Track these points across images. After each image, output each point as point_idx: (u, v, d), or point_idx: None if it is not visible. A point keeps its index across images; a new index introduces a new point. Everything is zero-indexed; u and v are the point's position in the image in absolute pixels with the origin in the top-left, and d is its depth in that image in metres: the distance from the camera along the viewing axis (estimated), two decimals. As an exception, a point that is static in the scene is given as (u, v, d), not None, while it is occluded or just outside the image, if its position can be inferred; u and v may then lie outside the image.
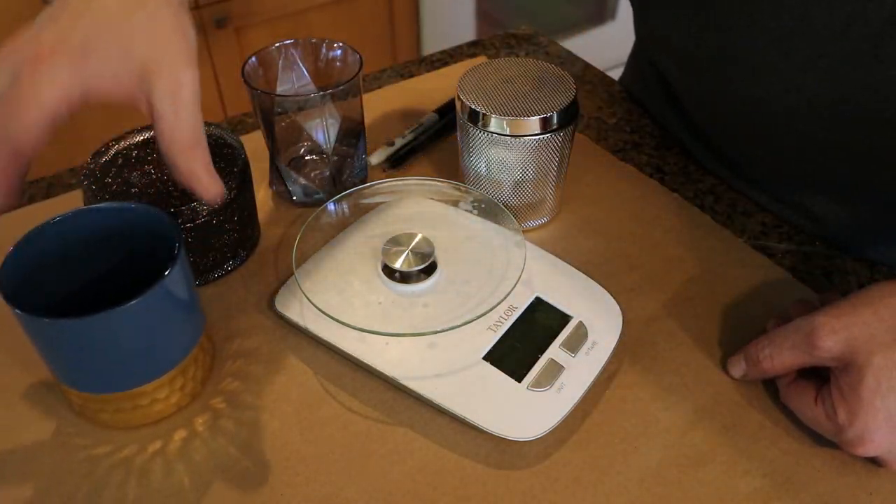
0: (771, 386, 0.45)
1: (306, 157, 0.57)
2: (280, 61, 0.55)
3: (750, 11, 0.47)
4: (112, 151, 0.51)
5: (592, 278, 0.50)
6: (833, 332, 0.40)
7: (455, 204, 0.54)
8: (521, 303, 0.47)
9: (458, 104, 0.51)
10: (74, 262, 0.42)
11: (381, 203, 0.54)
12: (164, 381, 0.41)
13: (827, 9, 0.44)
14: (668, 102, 0.65)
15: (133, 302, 0.37)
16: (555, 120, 0.49)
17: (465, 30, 1.75)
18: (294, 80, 0.57)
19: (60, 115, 0.38)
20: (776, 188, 0.58)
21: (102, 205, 0.42)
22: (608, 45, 1.97)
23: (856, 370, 0.39)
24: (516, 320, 0.46)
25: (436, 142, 0.65)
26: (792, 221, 0.58)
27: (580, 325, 0.46)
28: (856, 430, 0.39)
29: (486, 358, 0.44)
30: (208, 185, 0.41)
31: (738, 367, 0.46)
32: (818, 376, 0.42)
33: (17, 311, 0.36)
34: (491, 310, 0.46)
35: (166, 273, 0.38)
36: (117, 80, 0.39)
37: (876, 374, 0.38)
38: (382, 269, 0.48)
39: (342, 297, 0.47)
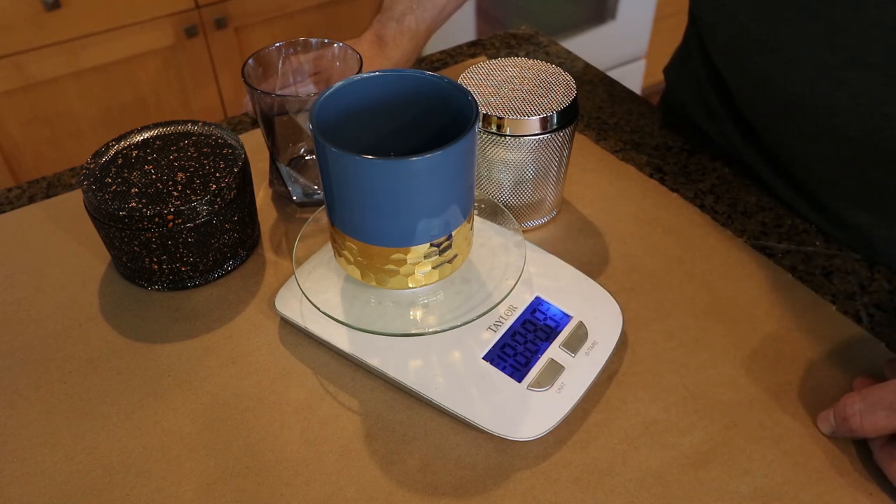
0: (771, 388, 0.45)
1: (306, 157, 0.57)
2: (280, 61, 0.55)
3: (800, 3, 0.46)
4: (112, 151, 0.51)
5: (592, 278, 0.50)
6: None
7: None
8: (521, 303, 0.47)
9: (458, 104, 0.51)
10: (369, 121, 0.43)
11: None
12: (422, 250, 0.42)
13: (880, 4, 0.43)
14: (718, 97, 0.64)
15: (435, 153, 0.37)
16: (555, 120, 0.49)
17: (465, 30, 1.75)
18: (294, 80, 0.57)
19: None
20: (823, 196, 0.56)
21: (408, 71, 0.43)
22: (608, 45, 1.97)
23: None
24: (516, 320, 0.46)
25: (436, 142, 0.65)
26: (830, 233, 0.56)
27: (580, 325, 0.46)
28: None
29: (486, 358, 0.44)
30: None
31: (826, 424, 0.42)
32: None
33: (333, 147, 0.37)
34: (491, 310, 0.46)
35: (464, 134, 0.38)
36: None
37: None
38: (382, 269, 0.48)
39: (342, 297, 0.47)
